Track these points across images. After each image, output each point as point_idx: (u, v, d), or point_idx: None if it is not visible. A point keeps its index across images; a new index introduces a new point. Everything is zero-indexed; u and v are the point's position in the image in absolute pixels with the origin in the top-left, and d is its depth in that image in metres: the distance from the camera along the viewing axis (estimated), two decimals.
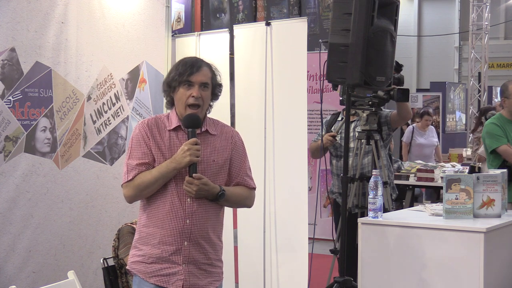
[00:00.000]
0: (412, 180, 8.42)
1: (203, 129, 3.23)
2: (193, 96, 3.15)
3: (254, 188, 3.38)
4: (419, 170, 8.48)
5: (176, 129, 3.20)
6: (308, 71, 5.70)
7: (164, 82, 3.25)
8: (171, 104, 3.27)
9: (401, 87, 5.13)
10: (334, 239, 5.27)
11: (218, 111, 5.70)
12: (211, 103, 3.30)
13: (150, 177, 3.12)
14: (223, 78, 5.51)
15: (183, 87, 3.17)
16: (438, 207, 4.13)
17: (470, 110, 16.65)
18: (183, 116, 3.18)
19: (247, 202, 3.38)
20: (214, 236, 3.24)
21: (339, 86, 5.07)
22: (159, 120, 3.23)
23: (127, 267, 3.28)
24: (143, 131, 3.18)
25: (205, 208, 3.18)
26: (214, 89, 3.25)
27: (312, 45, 8.38)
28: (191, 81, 3.15)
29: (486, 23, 16.30)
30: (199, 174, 3.11)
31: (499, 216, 3.87)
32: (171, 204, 3.14)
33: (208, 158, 3.21)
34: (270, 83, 5.38)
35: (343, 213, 4.46)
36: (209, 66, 3.24)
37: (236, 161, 3.30)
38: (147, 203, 3.20)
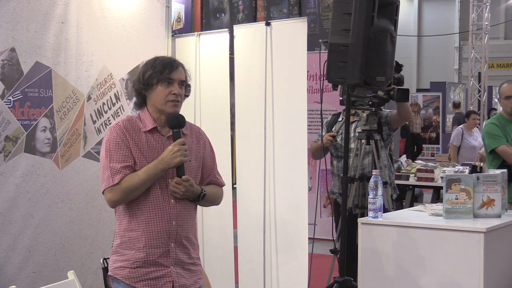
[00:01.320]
0: (412, 180, 8.43)
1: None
2: (174, 93, 3.13)
3: (224, 185, 3.40)
4: (419, 170, 8.49)
5: (151, 131, 3.16)
6: (308, 71, 5.69)
7: (137, 81, 3.19)
8: (141, 104, 3.22)
9: (401, 87, 5.13)
10: (334, 239, 5.27)
11: (218, 111, 5.73)
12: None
13: (138, 180, 3.07)
14: (223, 78, 5.60)
15: (162, 85, 3.13)
16: (438, 207, 4.13)
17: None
18: (160, 114, 3.15)
19: (219, 200, 3.41)
20: (192, 235, 3.25)
21: (339, 86, 5.07)
22: (132, 121, 3.18)
23: (108, 273, 3.21)
24: (121, 133, 3.13)
25: (187, 209, 3.18)
26: (187, 87, 3.25)
27: (312, 45, 8.38)
28: (172, 78, 3.13)
29: (486, 23, 16.31)
30: (187, 175, 3.10)
31: (499, 216, 3.87)
32: (156, 206, 3.12)
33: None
34: (270, 83, 5.38)
35: (343, 213, 4.47)
36: (182, 65, 3.23)
37: (207, 160, 3.31)
38: (129, 207, 3.14)
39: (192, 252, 3.23)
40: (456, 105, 17.40)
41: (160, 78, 3.13)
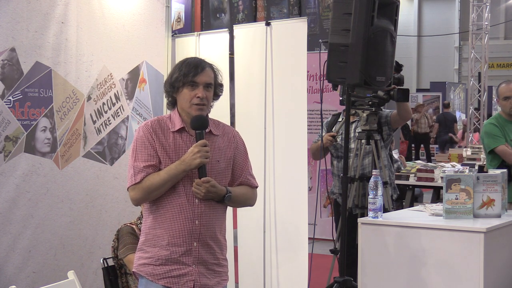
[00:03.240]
0: (412, 180, 8.43)
1: (207, 130, 3.23)
2: (198, 97, 3.15)
3: (257, 187, 3.40)
4: (419, 170, 8.49)
5: (180, 130, 3.20)
6: (308, 71, 5.70)
7: (166, 83, 3.25)
8: (173, 104, 3.26)
9: (401, 87, 5.12)
10: (334, 239, 5.27)
11: (218, 111, 5.71)
12: (212, 103, 3.30)
13: (159, 179, 3.10)
14: (223, 78, 5.58)
15: (187, 88, 3.16)
16: (438, 207, 4.13)
17: (470, 110, 16.65)
18: (187, 116, 3.18)
19: (250, 202, 3.40)
20: (221, 235, 3.26)
21: (339, 86, 5.07)
22: (162, 122, 3.22)
23: (133, 270, 3.26)
24: (148, 133, 3.17)
25: (212, 209, 3.19)
26: (216, 89, 3.26)
27: (312, 45, 8.38)
28: (196, 81, 3.15)
29: (486, 23, 16.29)
30: (208, 177, 3.12)
31: (499, 216, 3.87)
32: (179, 205, 3.14)
33: (213, 159, 3.20)
34: (270, 83, 5.38)
35: (343, 213, 4.46)
36: (211, 66, 3.24)
37: (239, 161, 3.31)
38: (154, 205, 3.19)
39: (218, 253, 3.23)
40: (446, 105, 17.61)
41: (185, 81, 3.15)
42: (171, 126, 3.21)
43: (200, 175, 3.12)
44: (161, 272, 3.14)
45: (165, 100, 3.34)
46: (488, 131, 5.51)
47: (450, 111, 17.98)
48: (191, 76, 3.14)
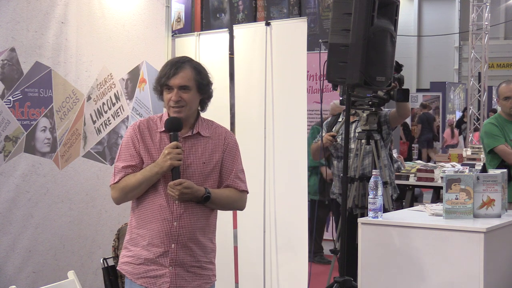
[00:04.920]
0: (412, 180, 8.42)
1: (194, 132, 3.20)
2: (172, 100, 3.13)
3: (245, 191, 3.31)
4: (419, 170, 8.49)
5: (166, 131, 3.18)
6: (308, 71, 5.70)
7: (153, 86, 3.26)
8: None
9: (401, 87, 5.13)
10: (334, 239, 5.27)
11: (218, 111, 5.72)
12: (206, 101, 3.25)
13: (134, 181, 3.12)
14: (223, 78, 5.59)
15: (165, 91, 3.16)
16: (438, 207, 4.13)
17: (470, 110, 16.65)
18: None
19: (236, 205, 3.34)
20: (205, 238, 3.22)
21: (339, 86, 5.07)
22: (151, 122, 3.22)
23: (117, 268, 3.27)
24: (133, 133, 3.18)
25: (192, 211, 3.15)
26: (201, 88, 3.18)
27: (312, 45, 8.38)
28: (169, 85, 3.13)
29: (486, 23, 16.30)
30: (182, 179, 3.07)
31: (499, 216, 3.87)
32: (159, 206, 3.13)
33: (198, 160, 3.17)
34: (270, 83, 5.38)
35: (343, 213, 4.47)
36: (191, 66, 3.17)
37: (227, 163, 3.26)
38: (137, 205, 3.20)
39: (200, 256, 3.20)
40: (424, 106, 17.75)
41: (161, 85, 3.15)
42: (160, 126, 3.20)
43: (174, 177, 3.08)
44: (139, 272, 3.15)
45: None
46: (487, 130, 5.51)
47: (429, 111, 18.17)
48: (164, 79, 3.13)
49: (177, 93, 3.12)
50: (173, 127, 3.13)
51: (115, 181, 3.17)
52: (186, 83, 3.13)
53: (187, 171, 3.14)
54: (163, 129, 3.18)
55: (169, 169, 3.08)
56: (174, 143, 3.09)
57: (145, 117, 5.18)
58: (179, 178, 3.08)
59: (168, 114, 3.19)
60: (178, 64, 3.15)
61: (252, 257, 5.55)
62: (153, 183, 3.12)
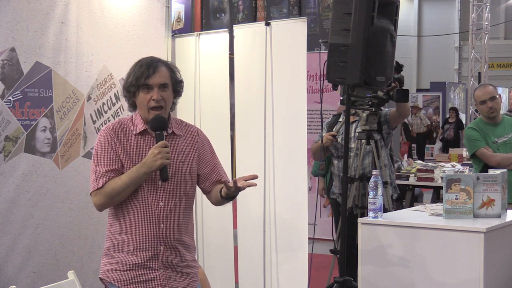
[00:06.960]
0: (412, 180, 8.43)
1: (169, 131, 3.18)
2: (153, 100, 3.09)
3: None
4: (419, 170, 8.49)
5: (142, 133, 3.15)
6: (308, 71, 5.70)
7: (123, 88, 3.18)
8: (133, 107, 3.19)
9: (401, 88, 5.13)
10: (334, 239, 5.27)
11: (218, 111, 5.73)
12: (175, 101, 3.23)
13: (121, 183, 3.06)
14: (223, 78, 5.60)
15: (142, 91, 3.10)
16: (438, 207, 4.13)
17: (470, 110, 16.66)
18: (148, 120, 3.12)
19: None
20: (187, 237, 3.22)
21: (339, 86, 5.07)
22: (123, 124, 3.16)
23: (100, 276, 3.21)
24: (109, 136, 3.12)
25: (177, 211, 3.15)
26: (175, 86, 3.18)
27: (312, 45, 8.38)
28: (149, 84, 3.08)
29: (486, 23, 16.31)
30: (164, 141, 3.05)
31: (499, 216, 3.87)
32: (144, 209, 3.10)
33: (177, 160, 3.15)
34: (270, 83, 5.38)
35: (343, 213, 4.47)
36: (166, 64, 3.16)
37: (207, 158, 3.26)
38: (118, 210, 3.14)
39: (186, 255, 3.20)
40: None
41: (138, 85, 3.09)
42: (133, 129, 3.15)
43: (162, 176, 3.07)
44: (128, 278, 3.10)
45: (127, 104, 3.25)
46: (467, 136, 5.54)
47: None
48: (143, 79, 3.07)
49: (158, 91, 3.09)
50: (160, 126, 3.10)
51: (98, 187, 3.10)
52: (166, 81, 3.12)
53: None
54: (138, 131, 3.13)
55: (159, 169, 3.05)
56: (162, 142, 3.06)
57: None
58: (167, 177, 3.06)
59: (141, 116, 3.15)
60: (153, 63, 3.12)
61: (252, 257, 5.54)
62: (139, 184, 3.08)
